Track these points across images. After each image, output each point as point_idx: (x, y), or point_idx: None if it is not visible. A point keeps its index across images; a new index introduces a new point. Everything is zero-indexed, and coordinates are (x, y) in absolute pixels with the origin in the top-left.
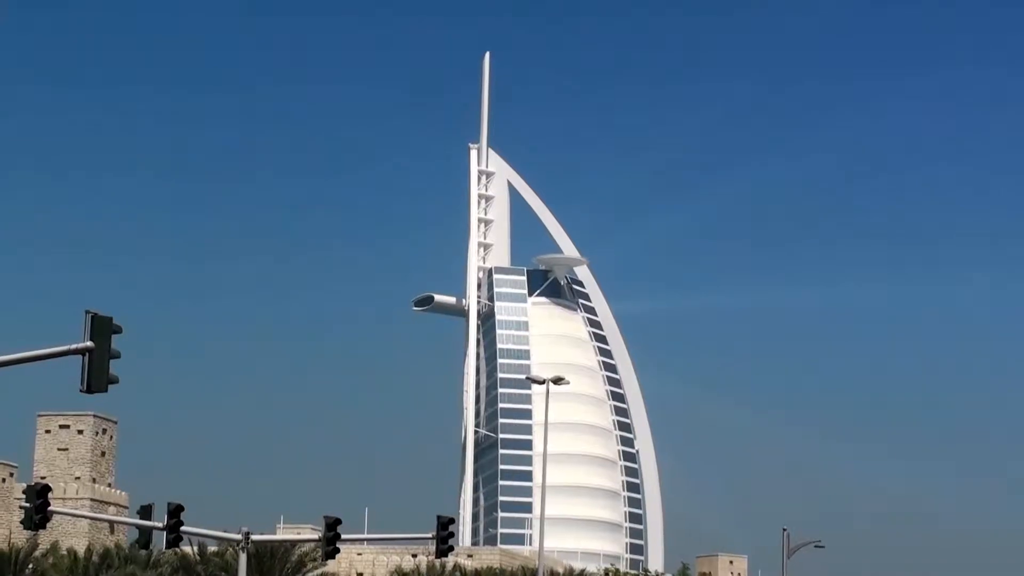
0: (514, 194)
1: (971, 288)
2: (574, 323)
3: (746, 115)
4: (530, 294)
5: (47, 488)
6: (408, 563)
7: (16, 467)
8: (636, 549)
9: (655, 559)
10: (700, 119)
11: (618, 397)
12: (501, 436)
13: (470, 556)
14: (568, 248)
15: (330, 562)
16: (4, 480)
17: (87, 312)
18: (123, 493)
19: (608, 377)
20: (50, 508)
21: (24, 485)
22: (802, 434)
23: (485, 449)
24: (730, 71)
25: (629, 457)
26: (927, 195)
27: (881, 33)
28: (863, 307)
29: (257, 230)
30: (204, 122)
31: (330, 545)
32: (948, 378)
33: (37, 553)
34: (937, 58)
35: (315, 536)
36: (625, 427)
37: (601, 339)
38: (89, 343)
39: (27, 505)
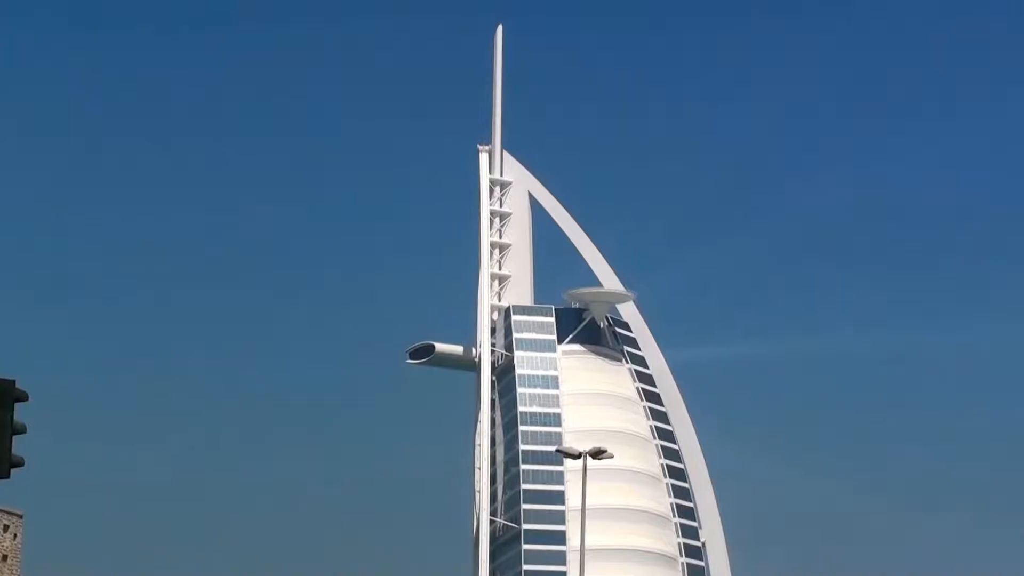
0: (537, 210)
1: None
2: (618, 377)
3: (832, 113)
4: (560, 340)
5: None
6: None
7: None
8: None
9: None
10: (774, 117)
11: (677, 473)
12: (525, 527)
13: None
14: (609, 280)
15: None
16: None
17: None
18: None
19: (663, 447)
20: None
21: None
22: (910, 517)
23: (504, 544)
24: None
25: (693, 552)
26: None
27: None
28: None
29: (209, 266)
30: (178, 127)
31: None
32: None
33: None
34: None
35: None
36: (687, 513)
37: (653, 397)
38: None
39: None
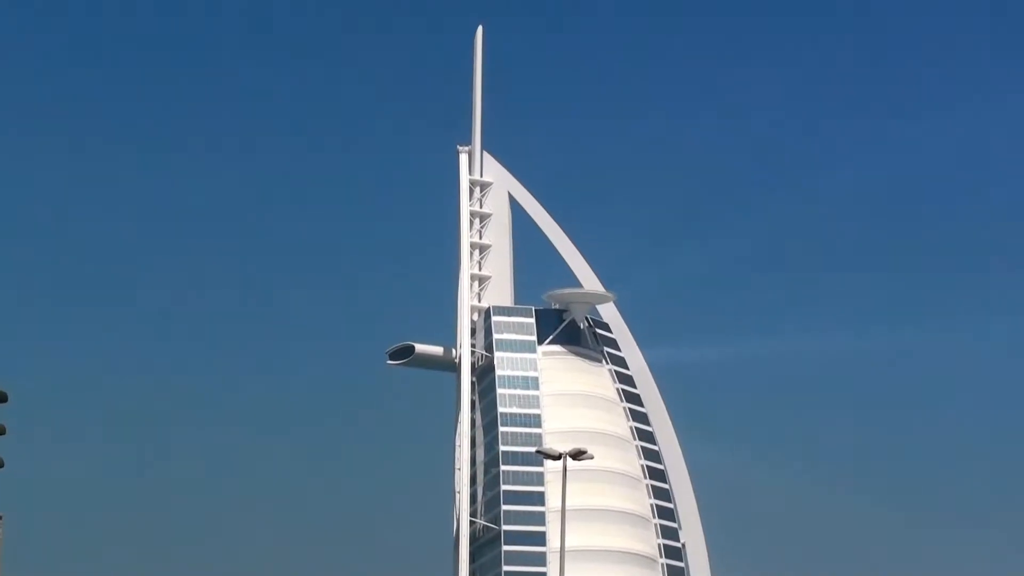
0: (517, 211)
1: None
2: (598, 378)
3: (814, 115)
4: (540, 341)
5: None
6: None
7: None
8: None
9: None
10: (755, 119)
11: (657, 475)
12: (505, 528)
13: None
14: (590, 281)
15: None
16: None
17: None
18: None
19: (644, 448)
20: None
21: None
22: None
23: (484, 545)
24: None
25: (673, 553)
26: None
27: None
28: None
29: (190, 270)
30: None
31: None
32: None
33: None
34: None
35: None
36: (667, 514)
37: (634, 398)
38: None
39: None
